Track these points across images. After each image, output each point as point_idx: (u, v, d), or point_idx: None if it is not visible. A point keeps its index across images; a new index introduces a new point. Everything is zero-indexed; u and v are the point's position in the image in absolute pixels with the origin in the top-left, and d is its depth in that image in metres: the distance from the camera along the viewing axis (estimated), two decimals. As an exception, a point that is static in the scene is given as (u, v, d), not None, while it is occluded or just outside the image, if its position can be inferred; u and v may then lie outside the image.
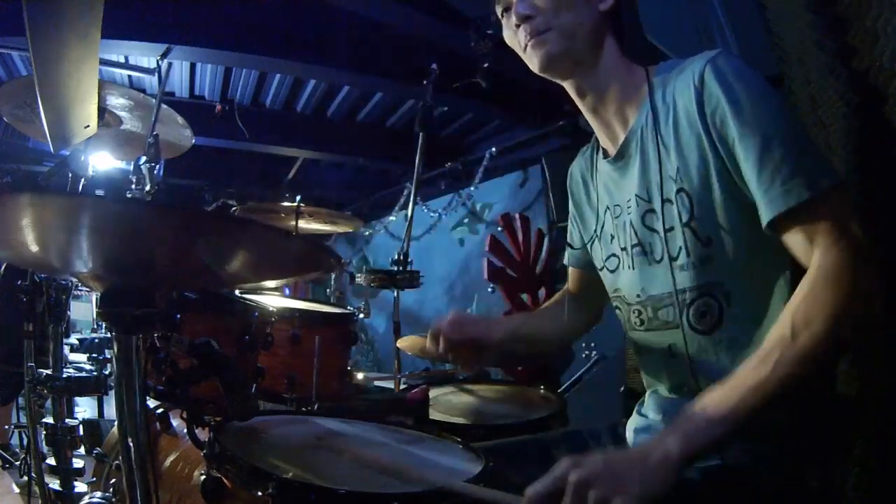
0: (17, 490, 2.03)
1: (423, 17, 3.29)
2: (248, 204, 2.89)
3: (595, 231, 1.13)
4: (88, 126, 1.42)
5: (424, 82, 2.15)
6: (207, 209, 2.60)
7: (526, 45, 0.98)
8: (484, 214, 4.65)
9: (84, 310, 3.62)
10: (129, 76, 4.17)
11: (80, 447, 1.90)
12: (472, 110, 4.79)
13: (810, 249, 0.79)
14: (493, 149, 4.24)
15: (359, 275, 2.29)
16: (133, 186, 1.82)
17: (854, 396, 1.03)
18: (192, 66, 4.25)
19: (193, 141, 2.15)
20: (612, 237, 1.07)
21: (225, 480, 0.84)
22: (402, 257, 2.14)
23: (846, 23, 1.01)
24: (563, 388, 2.05)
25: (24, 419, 2.18)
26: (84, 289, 2.90)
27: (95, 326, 3.14)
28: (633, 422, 1.09)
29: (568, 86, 1.04)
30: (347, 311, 1.90)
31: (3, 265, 1.81)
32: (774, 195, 0.80)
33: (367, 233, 5.91)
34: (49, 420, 1.75)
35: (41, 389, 1.68)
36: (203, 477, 0.87)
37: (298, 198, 2.66)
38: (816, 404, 0.92)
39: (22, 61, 4.05)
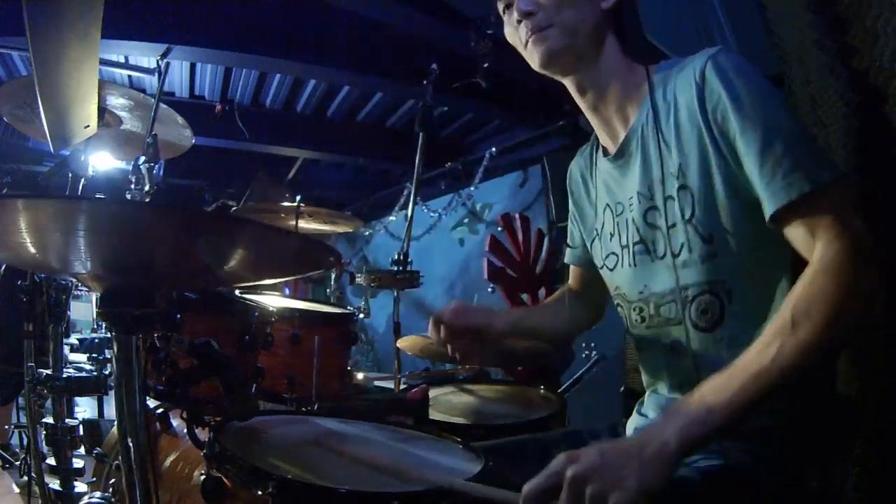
0: (17, 490, 2.03)
1: (423, 17, 3.29)
2: (249, 204, 2.89)
3: (595, 229, 1.13)
4: (88, 126, 1.42)
5: (424, 82, 2.15)
6: (207, 209, 2.60)
7: (527, 42, 0.97)
8: (484, 214, 4.65)
9: (84, 310, 3.62)
10: (129, 76, 4.18)
11: (80, 447, 1.90)
12: (472, 110, 4.79)
13: (812, 243, 0.78)
14: (493, 149, 4.24)
15: (359, 275, 2.29)
16: (133, 186, 1.81)
17: (854, 396, 1.02)
18: (192, 66, 4.25)
19: (193, 141, 2.16)
20: (612, 235, 1.07)
21: (225, 480, 0.84)
22: (402, 257, 2.14)
23: (846, 23, 1.01)
24: (563, 388, 2.05)
25: (24, 419, 2.18)
26: (84, 289, 2.91)
27: (95, 326, 3.15)
28: (634, 421, 1.09)
29: (568, 83, 1.04)
30: (347, 311, 1.90)
31: (3, 266, 1.81)
32: (776, 188, 0.79)
33: (367, 233, 5.90)
34: (49, 420, 1.75)
35: (41, 389, 1.68)
36: (203, 477, 0.87)
37: (298, 198, 2.66)
38: (816, 404, 0.92)
39: (22, 61, 4.06)
